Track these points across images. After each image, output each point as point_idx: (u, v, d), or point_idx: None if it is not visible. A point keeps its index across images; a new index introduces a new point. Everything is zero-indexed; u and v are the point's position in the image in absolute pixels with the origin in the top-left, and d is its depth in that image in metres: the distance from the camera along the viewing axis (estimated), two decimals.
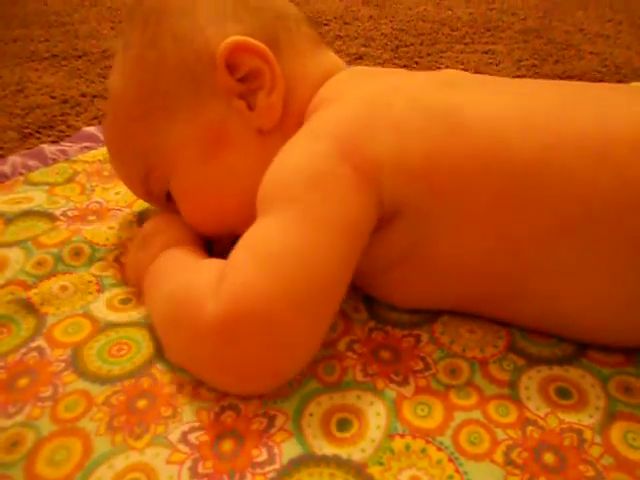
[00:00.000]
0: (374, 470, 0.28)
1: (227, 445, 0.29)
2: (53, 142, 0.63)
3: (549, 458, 0.28)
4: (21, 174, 0.54)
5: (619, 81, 0.87)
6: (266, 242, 0.31)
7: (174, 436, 0.30)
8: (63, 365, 0.34)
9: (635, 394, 0.32)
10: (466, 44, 1.03)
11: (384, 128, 0.33)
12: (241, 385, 0.31)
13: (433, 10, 1.29)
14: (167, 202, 0.41)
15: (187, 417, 0.31)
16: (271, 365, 0.30)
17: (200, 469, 0.28)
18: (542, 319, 0.35)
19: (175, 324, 0.32)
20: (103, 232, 0.44)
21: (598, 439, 0.29)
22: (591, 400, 0.31)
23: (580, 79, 0.86)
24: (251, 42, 0.36)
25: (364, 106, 0.35)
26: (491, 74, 0.89)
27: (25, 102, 0.76)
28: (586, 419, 0.30)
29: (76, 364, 0.34)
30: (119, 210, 0.48)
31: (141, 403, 0.32)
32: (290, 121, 0.37)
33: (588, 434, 0.29)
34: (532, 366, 0.34)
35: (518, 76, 0.88)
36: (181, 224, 0.40)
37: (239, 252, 0.31)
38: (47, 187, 0.51)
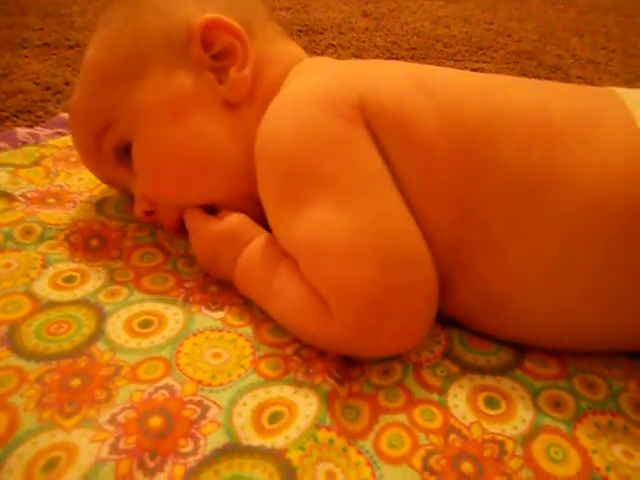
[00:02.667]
0: (294, 455, 0.28)
1: (155, 421, 0.29)
2: (28, 126, 0.63)
3: (467, 467, 0.28)
4: None
5: None
6: (327, 234, 0.32)
7: (103, 418, 0.29)
8: None
9: (563, 409, 0.32)
10: (457, 61, 1.04)
11: (357, 78, 0.36)
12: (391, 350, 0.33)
13: (430, 26, 1.30)
14: (115, 161, 0.41)
15: (120, 400, 0.30)
16: (416, 330, 0.32)
17: (121, 445, 0.28)
18: (485, 311, 0.35)
19: (303, 335, 0.34)
20: (57, 214, 0.44)
21: (520, 451, 0.29)
22: (518, 412, 0.31)
23: None
24: (227, 20, 0.38)
25: (335, 71, 0.39)
26: None
27: (8, 86, 0.76)
28: (510, 430, 0.30)
29: (12, 341, 0.34)
30: (79, 194, 0.48)
31: (75, 382, 0.31)
32: (258, 99, 0.39)
33: (510, 446, 0.29)
34: (465, 374, 0.33)
35: None
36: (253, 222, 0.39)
37: (315, 258, 0.32)
38: (12, 168, 0.51)
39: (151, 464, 0.27)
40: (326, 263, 0.31)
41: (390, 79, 0.36)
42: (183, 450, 0.28)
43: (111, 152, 0.41)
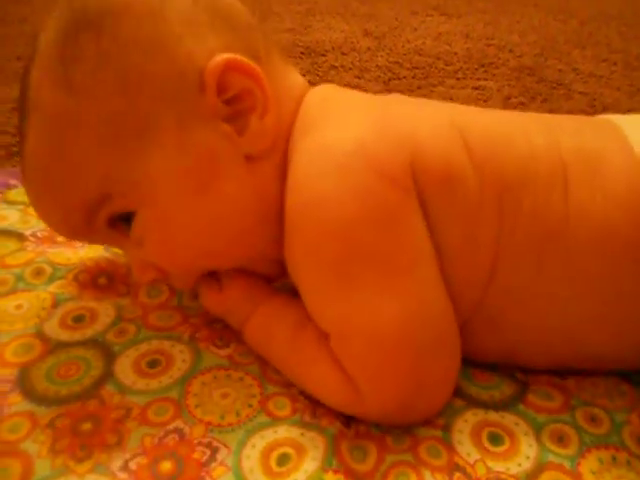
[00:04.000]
0: None
1: (165, 466, 0.30)
2: None
3: None
4: (1, 192, 0.55)
5: None
6: (373, 321, 0.31)
7: (116, 465, 0.30)
8: (10, 386, 0.35)
9: (567, 444, 0.32)
10: (458, 79, 1.05)
11: (402, 136, 0.33)
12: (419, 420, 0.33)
13: (431, 44, 1.31)
14: (107, 230, 0.35)
15: (131, 444, 0.31)
16: (444, 396, 0.33)
17: None
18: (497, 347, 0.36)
19: (324, 402, 0.34)
20: (66, 254, 0.45)
21: None
22: (522, 448, 0.32)
23: None
24: (242, 60, 0.33)
25: (373, 119, 0.34)
26: None
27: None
28: (514, 468, 0.30)
29: (23, 385, 0.35)
30: None
31: (85, 426, 0.32)
32: (276, 144, 0.34)
33: None
34: (469, 408, 0.34)
35: None
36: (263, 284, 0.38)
37: (354, 346, 0.31)
38: (22, 207, 0.52)
39: None
40: (364, 349, 0.31)
41: (436, 132, 0.34)
42: None
43: (104, 223, 0.35)
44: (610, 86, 1.07)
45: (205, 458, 0.30)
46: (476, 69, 1.12)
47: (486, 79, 1.06)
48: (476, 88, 1.00)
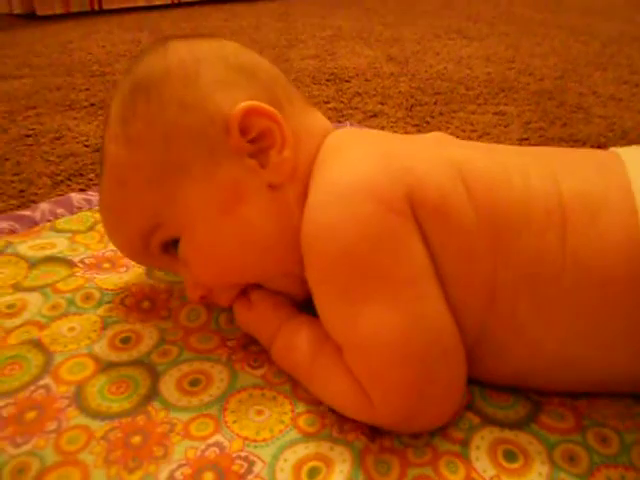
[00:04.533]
0: None
1: (208, 477, 0.33)
2: (81, 190, 0.70)
3: None
4: (49, 221, 0.60)
5: (624, 145, 0.90)
6: (379, 333, 0.34)
7: (162, 475, 0.33)
8: (67, 402, 0.38)
9: (577, 463, 0.34)
10: (479, 105, 1.08)
11: (401, 171, 0.37)
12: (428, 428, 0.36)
13: (453, 69, 1.34)
14: (162, 254, 0.42)
15: (176, 456, 0.34)
16: (450, 408, 0.36)
17: None
18: (507, 373, 0.38)
19: (345, 414, 0.37)
20: (112, 279, 0.49)
21: None
22: (535, 466, 0.34)
23: (584, 143, 0.90)
24: (261, 106, 0.39)
25: (378, 159, 0.38)
26: (498, 136, 0.92)
27: (61, 149, 0.83)
28: None
29: (79, 401, 0.38)
30: None
31: (135, 439, 0.36)
32: (299, 174, 0.40)
33: None
34: (486, 426, 0.36)
35: (525, 139, 0.92)
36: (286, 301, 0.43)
37: (363, 357, 0.35)
38: (70, 234, 0.56)
39: None
40: (373, 360, 0.34)
41: (433, 169, 0.37)
42: None
43: (158, 248, 0.42)
44: (630, 109, 1.08)
45: (243, 471, 0.33)
46: (497, 93, 1.15)
47: (506, 104, 1.09)
48: (496, 113, 1.03)
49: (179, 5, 2.12)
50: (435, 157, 0.39)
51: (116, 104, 0.42)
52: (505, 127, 0.96)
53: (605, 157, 0.40)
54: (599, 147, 0.92)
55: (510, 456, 0.35)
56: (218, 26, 1.79)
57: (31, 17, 1.84)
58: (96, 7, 1.95)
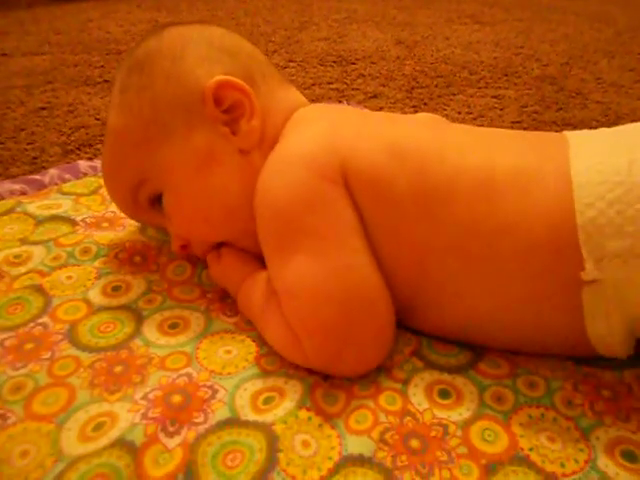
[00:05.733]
0: (278, 427, 0.36)
1: (176, 398, 0.38)
2: (89, 159, 0.75)
3: (415, 443, 0.36)
4: (56, 184, 0.65)
5: None
6: (303, 279, 0.39)
7: (138, 396, 0.38)
8: (61, 337, 0.43)
9: (503, 402, 0.38)
10: (479, 88, 1.10)
11: (340, 142, 0.42)
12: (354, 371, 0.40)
13: (460, 53, 1.36)
14: (150, 209, 0.48)
15: (151, 382, 0.39)
16: (373, 356, 0.40)
17: (150, 414, 0.37)
18: (447, 327, 0.42)
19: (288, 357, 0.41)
20: (109, 236, 0.54)
21: (459, 433, 0.36)
22: (465, 403, 0.38)
23: (575, 127, 0.92)
24: (233, 80, 0.45)
25: (322, 134, 0.44)
26: (493, 118, 0.95)
27: (73, 122, 0.89)
28: (455, 416, 0.37)
29: (71, 336, 0.44)
30: (128, 219, 0.57)
31: (118, 369, 0.41)
32: (267, 142, 0.46)
33: (452, 428, 0.36)
34: (427, 369, 0.41)
35: (518, 122, 0.94)
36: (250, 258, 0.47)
37: (291, 301, 0.39)
38: (74, 197, 0.62)
39: (171, 429, 0.36)
40: (298, 304, 0.39)
41: (368, 144, 0.42)
42: (196, 420, 0.37)
43: (146, 202, 0.48)
44: (631, 96, 1.09)
45: (207, 396, 0.38)
46: (499, 78, 1.17)
47: (507, 88, 1.11)
48: (495, 97, 1.05)
49: None
50: (376, 134, 0.43)
51: (118, 78, 0.48)
52: (500, 110, 0.99)
53: (552, 138, 0.43)
54: None
55: (444, 394, 0.39)
56: (233, 7, 1.82)
57: None
58: None
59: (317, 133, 0.44)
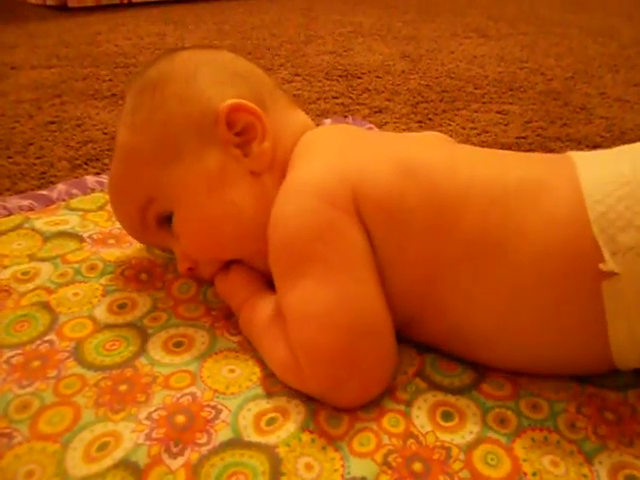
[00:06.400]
0: (282, 449, 0.36)
1: (180, 419, 0.38)
2: (96, 174, 0.76)
3: (417, 466, 0.36)
4: (64, 200, 0.66)
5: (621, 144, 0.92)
6: (310, 305, 0.39)
7: (142, 415, 0.39)
8: (67, 354, 0.44)
9: (507, 425, 0.38)
10: (483, 103, 1.11)
11: (349, 169, 0.42)
12: (353, 401, 0.40)
13: (464, 67, 1.37)
14: (157, 229, 0.48)
15: (155, 402, 0.40)
16: (375, 386, 0.40)
17: (154, 435, 0.37)
18: (455, 340, 0.42)
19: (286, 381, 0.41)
20: (115, 253, 0.55)
21: (462, 456, 0.36)
22: (468, 426, 0.38)
23: (579, 142, 0.92)
24: (245, 103, 0.46)
25: (332, 161, 0.44)
26: (497, 134, 0.96)
27: (81, 136, 0.90)
28: (458, 439, 0.37)
29: (77, 354, 0.44)
30: None
31: (122, 387, 0.41)
32: (277, 165, 0.46)
33: (455, 452, 0.36)
34: (430, 390, 0.41)
35: (523, 137, 0.95)
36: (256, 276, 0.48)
37: (297, 326, 0.39)
38: (82, 213, 0.62)
39: (175, 450, 0.36)
40: (303, 329, 0.39)
41: (376, 166, 0.42)
42: (199, 441, 0.37)
43: (153, 221, 0.48)
44: (635, 111, 1.10)
45: (210, 417, 0.38)
46: (503, 93, 1.18)
47: (511, 103, 1.12)
48: (499, 112, 1.06)
49: None
50: (384, 155, 0.44)
51: (129, 98, 0.49)
52: (505, 125, 0.99)
53: (557, 156, 0.45)
54: (595, 147, 0.94)
55: (447, 416, 0.39)
56: (240, 20, 1.84)
57: (63, 9, 1.92)
58: (125, 0, 2.02)
59: (327, 161, 0.44)
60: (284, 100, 0.51)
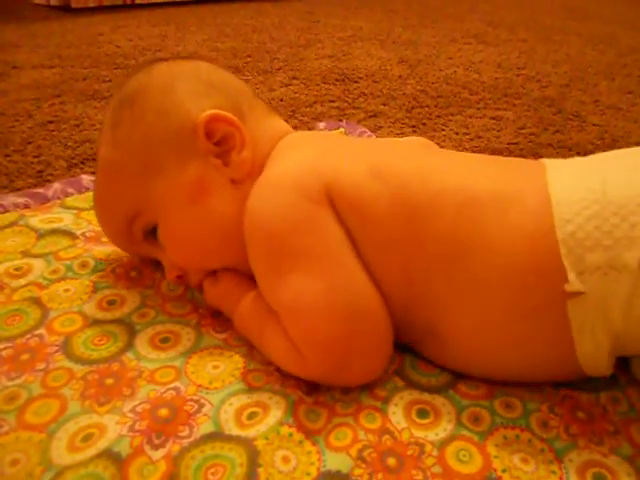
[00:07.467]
0: (260, 442, 0.37)
1: (162, 412, 0.39)
2: (92, 173, 0.77)
3: (391, 461, 0.37)
4: (59, 198, 0.67)
5: None
6: (303, 298, 0.40)
7: (127, 408, 0.40)
8: (56, 348, 0.45)
9: (480, 423, 0.39)
10: (478, 109, 1.12)
11: (324, 166, 0.44)
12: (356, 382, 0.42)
13: (462, 73, 1.38)
14: (144, 240, 0.49)
15: (140, 395, 0.41)
16: (377, 364, 0.41)
17: (137, 426, 0.38)
18: (432, 345, 0.44)
19: (288, 372, 0.43)
20: (107, 251, 0.56)
21: (435, 452, 0.37)
22: (442, 423, 0.39)
23: (571, 149, 0.93)
24: (223, 113, 0.47)
25: (306, 159, 0.45)
26: (490, 139, 0.97)
27: (79, 136, 0.91)
28: (432, 436, 0.38)
29: (66, 348, 0.45)
30: None
31: (109, 381, 0.42)
32: (256, 171, 0.47)
33: (428, 448, 0.38)
34: (407, 388, 0.42)
35: (515, 143, 0.96)
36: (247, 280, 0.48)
37: (293, 319, 0.41)
38: (76, 211, 0.64)
39: (157, 441, 0.37)
40: (300, 321, 0.40)
41: (350, 167, 0.44)
42: (181, 434, 0.38)
43: (140, 234, 0.49)
44: (628, 118, 1.11)
45: (193, 410, 0.40)
46: (498, 99, 1.19)
47: (505, 109, 1.13)
48: (493, 118, 1.07)
49: (207, 1, 2.20)
50: (359, 158, 0.45)
51: (109, 113, 0.50)
52: (498, 131, 1.01)
53: (530, 164, 0.46)
54: (586, 154, 0.95)
55: (422, 413, 0.40)
56: (241, 23, 1.86)
57: (66, 9, 1.94)
58: (128, 1, 2.04)
59: (302, 158, 0.46)
60: (261, 108, 0.52)
